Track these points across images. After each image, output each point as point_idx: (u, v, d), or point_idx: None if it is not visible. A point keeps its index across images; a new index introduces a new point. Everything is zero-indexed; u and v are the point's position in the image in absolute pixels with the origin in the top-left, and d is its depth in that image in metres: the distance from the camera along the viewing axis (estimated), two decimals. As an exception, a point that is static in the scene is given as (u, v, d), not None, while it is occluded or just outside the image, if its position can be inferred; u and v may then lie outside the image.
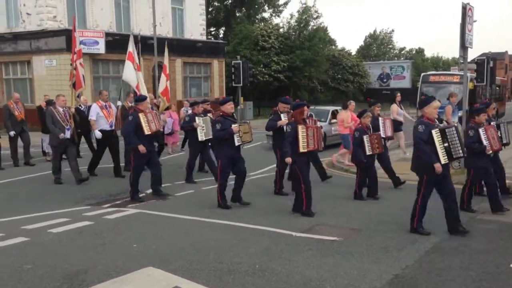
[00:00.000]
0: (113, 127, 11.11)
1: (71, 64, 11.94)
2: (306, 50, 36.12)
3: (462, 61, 12.61)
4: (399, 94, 14.29)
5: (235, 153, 8.14)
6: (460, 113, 13.34)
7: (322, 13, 61.89)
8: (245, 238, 6.45)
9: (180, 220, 7.42)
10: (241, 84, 26.68)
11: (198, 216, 7.57)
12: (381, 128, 9.71)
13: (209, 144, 10.42)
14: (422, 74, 26.80)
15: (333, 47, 48.21)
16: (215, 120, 8.15)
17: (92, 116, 10.99)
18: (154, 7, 23.67)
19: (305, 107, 8.05)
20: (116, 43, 24.49)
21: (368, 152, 8.81)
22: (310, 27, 37.73)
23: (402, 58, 62.02)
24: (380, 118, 9.88)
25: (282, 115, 9.12)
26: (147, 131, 8.72)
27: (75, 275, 5.14)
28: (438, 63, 64.29)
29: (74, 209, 8.13)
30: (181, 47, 28.20)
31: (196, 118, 10.43)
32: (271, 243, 6.24)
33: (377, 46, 63.94)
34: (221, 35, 42.55)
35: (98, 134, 10.89)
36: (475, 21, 11.98)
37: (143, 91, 12.14)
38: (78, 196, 9.18)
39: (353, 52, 53.83)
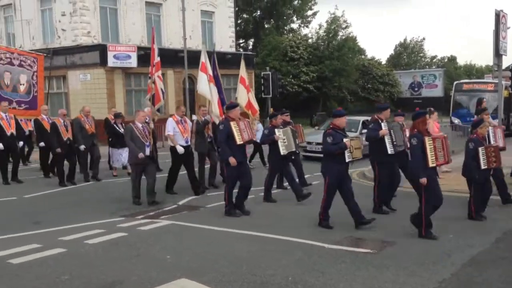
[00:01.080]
0: (189, 143, 10.53)
1: (149, 77, 11.61)
2: (335, 60, 36.00)
3: (496, 69, 12.38)
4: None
5: (343, 170, 7.47)
6: (495, 122, 13.06)
7: (351, 22, 61.66)
8: (277, 250, 6.44)
9: (212, 232, 7.46)
10: (270, 95, 26.78)
11: (230, 228, 7.59)
12: (491, 139, 8.87)
13: (291, 157, 9.95)
14: (455, 82, 26.37)
15: (363, 56, 47.91)
16: (325, 133, 7.50)
17: (169, 131, 10.41)
18: (184, 20, 24.04)
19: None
20: (148, 56, 24.87)
21: (483, 166, 7.90)
22: (339, 37, 37.61)
23: (433, 67, 61.06)
24: (490, 128, 8.99)
25: (382, 124, 8.55)
26: (239, 141, 8.23)
27: (110, 286, 5.23)
28: (472, 71, 63.03)
29: (109, 220, 8.28)
30: (211, 59, 28.50)
31: (276, 130, 9.73)
32: (303, 255, 6.21)
33: (407, 54, 63.20)
34: (250, 47, 42.84)
35: (180, 149, 10.22)
36: (508, 27, 11.77)
37: (214, 104, 11.64)
38: (113, 207, 9.34)
39: (383, 61, 53.38)
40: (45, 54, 16.51)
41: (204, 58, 12.13)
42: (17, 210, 9.41)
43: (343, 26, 37.83)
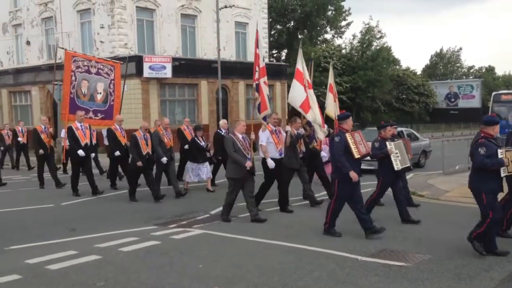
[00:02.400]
0: (283, 155, 9.66)
1: (256, 85, 10.27)
2: (369, 70, 35.74)
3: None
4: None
5: (499, 188, 6.63)
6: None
7: (386, 32, 61.14)
8: (309, 261, 6.38)
9: (244, 242, 7.47)
10: (303, 106, 26.70)
11: (262, 238, 7.57)
12: None
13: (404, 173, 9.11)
14: (493, 93, 25.72)
15: (397, 67, 47.37)
16: (477, 144, 6.58)
17: (262, 141, 9.50)
18: (218, 32, 24.35)
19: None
20: (182, 67, 25.43)
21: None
22: (373, 47, 37.34)
23: (471, 77, 59.79)
24: None
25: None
26: (356, 155, 7.47)
27: (144, 293, 5.28)
28: (510, 82, 61.38)
29: (143, 228, 8.39)
30: (244, 69, 28.76)
31: (387, 143, 8.76)
32: (336, 266, 6.14)
33: (443, 65, 62.14)
34: (283, 57, 42.96)
35: (270, 163, 9.28)
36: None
37: (315, 113, 10.67)
38: (146, 216, 9.47)
39: (418, 72, 52.58)
40: (121, 63, 15.79)
41: (300, 65, 10.84)
42: (54, 217, 9.65)
43: (378, 36, 37.60)
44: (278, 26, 42.16)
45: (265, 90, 10.26)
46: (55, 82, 21.46)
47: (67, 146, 13.66)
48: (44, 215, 9.89)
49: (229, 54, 28.66)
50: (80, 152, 11.53)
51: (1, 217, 9.80)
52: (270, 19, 36.72)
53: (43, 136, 13.33)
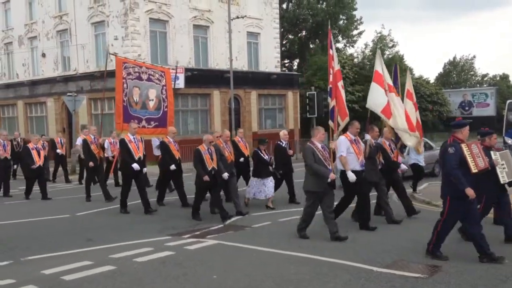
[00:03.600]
0: (363, 167, 8.89)
1: (330, 88, 9.57)
2: (381, 79, 35.66)
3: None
4: None
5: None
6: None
7: (398, 41, 61.31)
8: (324, 272, 6.35)
9: (258, 252, 7.45)
10: (315, 115, 26.74)
11: (276, 248, 7.56)
12: None
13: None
14: (508, 101, 25.55)
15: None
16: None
17: (342, 152, 8.71)
18: (230, 42, 24.50)
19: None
20: (195, 77, 25.60)
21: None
22: (385, 56, 37.26)
23: (485, 85, 59.29)
24: None
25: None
26: (473, 169, 6.62)
27: (159, 304, 5.29)
28: (525, 89, 60.70)
29: (157, 239, 8.42)
30: (256, 79, 28.88)
31: (492, 153, 7.79)
32: (351, 278, 6.09)
33: (457, 73, 61.71)
34: (295, 67, 43.04)
35: (351, 177, 8.55)
36: None
37: (401, 117, 9.89)
38: (161, 226, 9.50)
39: (432, 80, 52.30)
40: (172, 68, 14.73)
41: (379, 67, 9.99)
42: (70, 228, 9.73)
43: (390, 45, 37.51)
44: (290, 36, 42.27)
45: (343, 94, 9.41)
46: (69, 94, 21.86)
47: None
48: (60, 225, 9.98)
49: (241, 64, 28.78)
50: (135, 166, 10.76)
51: (18, 227, 9.90)
52: (282, 29, 36.86)
53: (92, 146, 12.92)
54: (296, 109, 31.29)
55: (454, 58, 62.18)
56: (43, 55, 29.24)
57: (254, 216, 10.22)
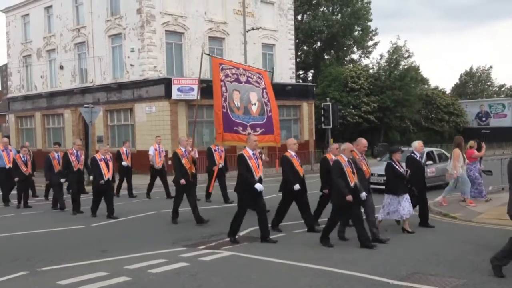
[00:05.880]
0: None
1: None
2: (397, 90, 35.45)
3: None
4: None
5: None
6: None
7: (414, 51, 60.86)
8: (339, 284, 6.28)
9: (272, 264, 7.41)
10: (330, 126, 26.67)
11: (290, 260, 7.50)
12: None
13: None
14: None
15: (426, 86, 46.80)
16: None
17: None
18: (245, 53, 24.61)
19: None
20: (209, 89, 25.60)
21: None
22: (401, 67, 37.08)
23: (502, 96, 58.61)
24: None
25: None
26: None
27: (173, 316, 5.28)
28: (544, 99, 59.85)
29: (171, 250, 8.43)
30: (271, 91, 28.88)
31: None
32: (367, 291, 6.02)
33: (474, 83, 61.14)
34: (310, 78, 43.05)
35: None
36: None
37: None
38: (175, 237, 9.51)
39: (448, 91, 51.89)
40: (269, 71, 13.52)
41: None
42: (85, 238, 9.80)
43: (405, 55, 37.31)
44: (305, 47, 42.36)
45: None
46: (86, 105, 22.11)
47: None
48: (75, 236, 10.05)
49: (256, 75, 28.87)
50: (258, 186, 8.74)
51: (34, 238, 10.01)
52: (297, 40, 36.95)
53: (184, 161, 10.86)
54: (311, 120, 31.22)
55: (471, 68, 61.73)
56: (61, 67, 29.71)
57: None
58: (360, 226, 8.22)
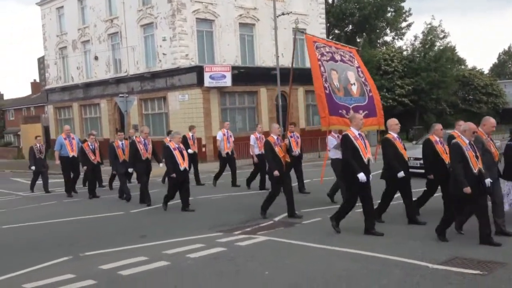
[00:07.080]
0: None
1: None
2: (432, 71, 34.64)
3: None
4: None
5: None
6: None
7: (449, 31, 59.22)
8: (376, 269, 6.24)
9: (308, 248, 7.42)
10: (364, 110, 26.27)
11: (326, 245, 7.49)
12: None
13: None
14: None
15: (463, 66, 45.55)
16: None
17: None
18: (276, 39, 24.46)
19: None
20: (241, 75, 25.75)
21: None
22: (436, 48, 36.17)
23: (543, 74, 56.54)
24: None
25: None
26: None
27: (212, 299, 5.37)
28: None
29: (208, 235, 8.54)
30: (302, 76, 28.57)
31: None
32: (405, 275, 5.96)
33: (513, 62, 59.11)
34: (342, 62, 42.53)
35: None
36: None
37: None
38: (211, 223, 9.63)
39: (486, 71, 50.32)
40: (357, 49, 12.66)
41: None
42: (125, 225, 10.07)
43: (441, 36, 36.37)
44: (336, 31, 41.78)
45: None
46: (121, 95, 22.49)
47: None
48: (115, 222, 10.33)
49: (287, 60, 28.64)
50: (361, 177, 7.89)
51: (76, 224, 10.35)
52: (328, 24, 36.46)
53: (277, 149, 9.70)
54: (344, 104, 30.87)
55: (509, 47, 59.62)
56: (96, 58, 30.27)
57: (304, 213, 10.17)
58: (485, 219, 7.13)
